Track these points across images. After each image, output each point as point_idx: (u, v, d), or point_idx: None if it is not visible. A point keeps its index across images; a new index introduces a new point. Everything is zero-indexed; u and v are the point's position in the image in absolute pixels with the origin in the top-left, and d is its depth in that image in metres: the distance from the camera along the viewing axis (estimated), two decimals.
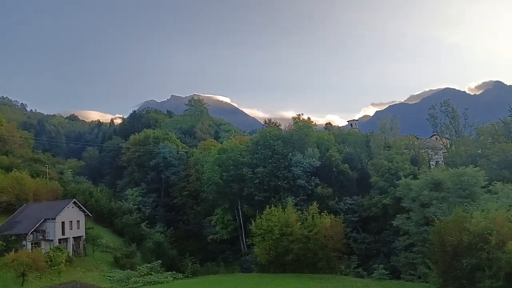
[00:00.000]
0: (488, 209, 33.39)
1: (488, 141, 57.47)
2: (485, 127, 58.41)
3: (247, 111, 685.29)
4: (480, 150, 57.36)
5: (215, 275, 48.23)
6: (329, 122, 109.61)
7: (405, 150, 58.94)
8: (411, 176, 48.18)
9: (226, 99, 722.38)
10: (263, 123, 79.73)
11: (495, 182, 43.29)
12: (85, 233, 55.45)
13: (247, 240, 54.28)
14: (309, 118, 67.31)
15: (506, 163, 49.67)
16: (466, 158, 56.48)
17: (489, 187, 42.80)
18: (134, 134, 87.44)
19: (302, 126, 65.35)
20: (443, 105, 59.93)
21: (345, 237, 52.98)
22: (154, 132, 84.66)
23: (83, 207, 55.29)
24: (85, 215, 55.79)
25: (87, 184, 76.10)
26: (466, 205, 37.11)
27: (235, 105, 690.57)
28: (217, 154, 61.82)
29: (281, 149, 61.71)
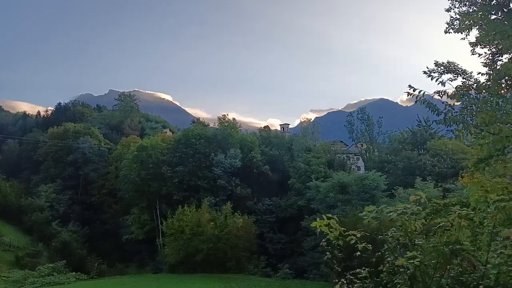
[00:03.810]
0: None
1: (400, 148, 61.15)
2: (396, 135, 62.14)
3: (189, 110, 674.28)
4: (391, 157, 60.83)
5: (122, 276, 46.64)
6: (267, 125, 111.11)
7: (323, 155, 60.90)
8: (321, 178, 49.88)
9: (168, 97, 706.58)
10: (191, 122, 78.74)
11: (398, 187, 46.03)
12: None
13: (163, 240, 53.17)
14: (234, 119, 67.62)
15: (410, 170, 53.02)
16: (378, 164, 59.74)
17: (392, 191, 45.42)
18: (52, 127, 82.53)
19: (227, 126, 65.38)
20: (360, 113, 62.91)
21: (261, 237, 54.02)
22: (75, 126, 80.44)
23: None
24: None
25: None
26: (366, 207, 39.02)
27: (177, 103, 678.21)
28: (136, 151, 59.91)
29: (204, 149, 61.27)
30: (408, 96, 5.37)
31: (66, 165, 73.91)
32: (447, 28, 10.57)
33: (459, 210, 5.99)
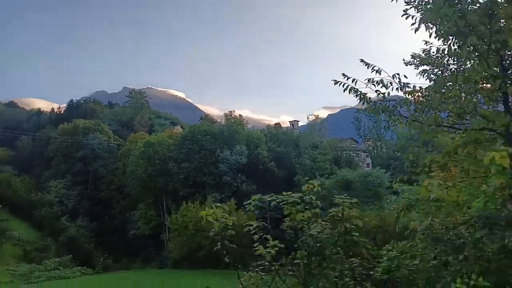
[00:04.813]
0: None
1: (407, 145, 60.27)
2: (403, 132, 61.08)
3: (202, 107, 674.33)
4: (399, 154, 60.00)
5: (127, 271, 47.15)
6: (278, 122, 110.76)
7: (329, 152, 60.49)
8: (326, 175, 49.56)
9: (181, 94, 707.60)
10: (199, 119, 79.07)
11: (402, 184, 45.31)
12: None
13: (169, 235, 53.63)
14: (240, 115, 67.62)
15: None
16: (385, 161, 59.02)
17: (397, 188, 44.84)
18: (63, 124, 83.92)
19: (233, 122, 65.47)
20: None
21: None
22: (85, 123, 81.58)
23: None
24: None
25: (7, 174, 72.13)
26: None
27: (190, 100, 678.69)
28: (143, 148, 60.45)
29: (210, 145, 61.49)
30: (334, 84, 5.21)
31: (76, 161, 75.15)
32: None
33: (343, 199, 5.89)
